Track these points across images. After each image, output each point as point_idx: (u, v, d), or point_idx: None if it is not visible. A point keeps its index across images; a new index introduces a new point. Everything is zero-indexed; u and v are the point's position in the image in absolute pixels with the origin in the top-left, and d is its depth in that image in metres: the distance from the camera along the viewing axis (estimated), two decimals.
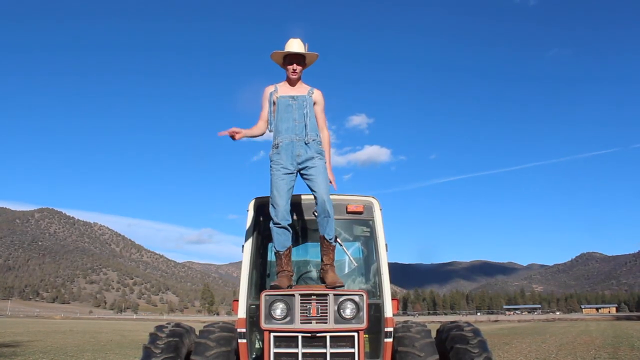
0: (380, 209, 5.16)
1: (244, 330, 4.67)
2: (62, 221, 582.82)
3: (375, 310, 4.71)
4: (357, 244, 5.57)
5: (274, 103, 4.60)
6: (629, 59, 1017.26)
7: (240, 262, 5.04)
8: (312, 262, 5.35)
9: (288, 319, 3.94)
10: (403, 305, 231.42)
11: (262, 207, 5.14)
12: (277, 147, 4.51)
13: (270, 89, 4.67)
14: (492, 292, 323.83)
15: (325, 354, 3.90)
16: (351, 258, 5.24)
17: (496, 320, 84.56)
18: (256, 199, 5.19)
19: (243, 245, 5.06)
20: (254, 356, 4.73)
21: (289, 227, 4.40)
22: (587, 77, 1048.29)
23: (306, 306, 3.95)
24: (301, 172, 4.48)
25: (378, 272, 4.93)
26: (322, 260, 4.51)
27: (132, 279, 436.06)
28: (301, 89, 4.65)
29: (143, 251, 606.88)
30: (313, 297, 3.98)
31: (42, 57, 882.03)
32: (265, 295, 4.01)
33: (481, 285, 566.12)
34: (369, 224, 5.18)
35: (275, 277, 4.44)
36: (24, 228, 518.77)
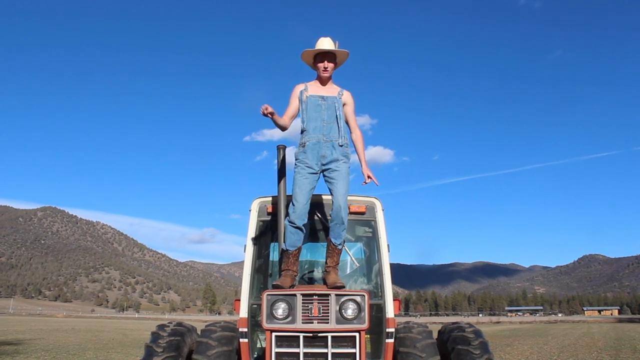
0: (383, 210, 5.16)
1: (245, 329, 4.67)
2: (65, 220, 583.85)
3: (377, 311, 4.71)
4: (359, 245, 5.56)
5: (304, 101, 4.55)
6: (631, 61, 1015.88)
7: (242, 262, 5.04)
8: (315, 263, 5.35)
9: (290, 318, 3.94)
10: (405, 306, 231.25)
11: (265, 207, 5.15)
12: (303, 146, 4.48)
13: (300, 87, 4.62)
14: (494, 294, 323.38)
15: (327, 354, 3.90)
16: (353, 258, 5.24)
17: (498, 322, 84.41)
18: (259, 198, 5.19)
19: (245, 245, 5.07)
20: (255, 356, 4.73)
21: (303, 228, 4.39)
22: (590, 80, 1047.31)
23: (308, 306, 3.95)
24: (324, 173, 4.46)
25: (380, 273, 4.93)
26: (325, 261, 4.52)
27: (134, 277, 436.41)
28: (331, 90, 4.61)
29: (145, 250, 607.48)
30: (315, 297, 3.98)
31: (43, 56, 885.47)
32: (267, 294, 4.01)
33: (483, 287, 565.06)
34: (371, 224, 5.18)
35: (278, 276, 4.45)
36: (26, 226, 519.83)
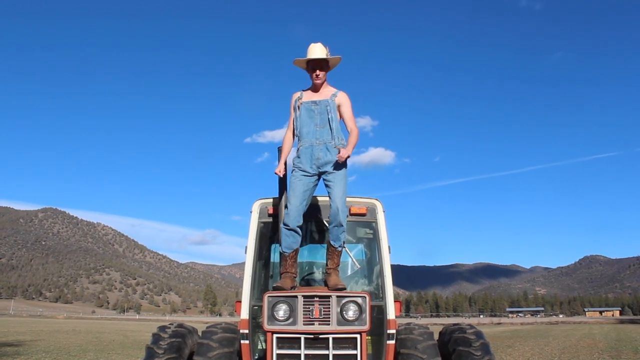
0: (384, 211, 5.16)
1: (246, 331, 4.68)
2: (66, 221, 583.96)
3: (378, 312, 4.72)
4: (360, 246, 5.58)
5: (298, 109, 4.62)
6: (631, 62, 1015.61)
7: (243, 263, 5.04)
8: (316, 264, 5.36)
9: (291, 320, 3.96)
10: (406, 307, 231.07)
11: (266, 209, 5.16)
12: (298, 151, 4.56)
13: (296, 95, 4.71)
14: (495, 295, 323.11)
15: (328, 355, 3.92)
16: (354, 260, 5.24)
17: (499, 323, 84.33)
18: (259, 200, 5.19)
19: (246, 247, 5.07)
20: (256, 357, 4.73)
21: (298, 230, 4.41)
22: (591, 80, 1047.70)
23: (309, 308, 3.97)
24: (323, 177, 4.50)
25: (381, 274, 4.93)
26: (326, 264, 4.53)
27: (135, 279, 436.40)
28: (324, 93, 4.64)
29: (146, 251, 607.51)
30: (316, 298, 4.00)
31: (44, 56, 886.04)
32: (268, 296, 4.02)
33: (484, 288, 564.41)
34: (372, 226, 5.18)
35: (279, 278, 4.46)
36: (27, 228, 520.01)
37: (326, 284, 4.44)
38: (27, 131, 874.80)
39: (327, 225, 4.60)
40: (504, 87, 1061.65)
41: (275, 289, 4.21)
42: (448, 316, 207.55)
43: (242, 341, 4.65)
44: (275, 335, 3.96)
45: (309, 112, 4.56)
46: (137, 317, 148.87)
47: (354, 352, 3.94)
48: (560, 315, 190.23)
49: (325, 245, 4.63)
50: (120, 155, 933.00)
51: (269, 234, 5.15)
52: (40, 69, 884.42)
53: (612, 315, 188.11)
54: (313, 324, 3.94)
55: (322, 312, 3.95)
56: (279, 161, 4.67)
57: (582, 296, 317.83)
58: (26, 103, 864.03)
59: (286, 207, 4.42)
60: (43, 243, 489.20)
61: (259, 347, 4.77)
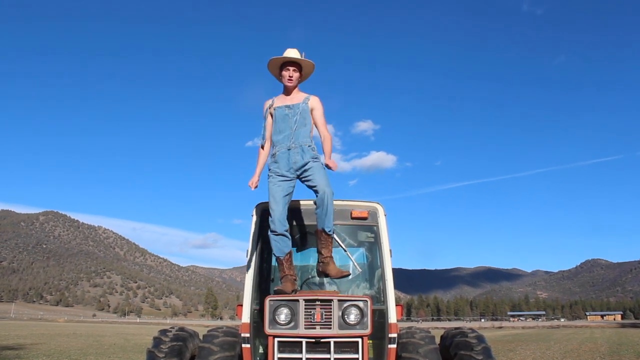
0: (385, 215, 5.15)
1: (247, 335, 4.66)
2: (67, 224, 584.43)
3: (379, 316, 4.70)
4: (362, 250, 5.57)
5: (271, 115, 4.66)
6: (633, 66, 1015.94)
7: (244, 267, 5.04)
8: (313, 268, 5.35)
9: (292, 324, 3.96)
10: (407, 311, 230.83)
11: (266, 212, 5.16)
12: (274, 156, 4.55)
13: (268, 102, 4.74)
14: (496, 299, 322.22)
15: (329, 359, 3.91)
16: (355, 264, 5.23)
17: (500, 327, 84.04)
18: (260, 204, 5.20)
19: (247, 250, 5.07)
20: None
21: (286, 233, 4.39)
22: (593, 85, 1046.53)
23: (310, 312, 3.97)
24: (300, 177, 4.49)
25: (382, 278, 4.92)
26: (320, 253, 4.47)
27: (136, 282, 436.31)
28: (297, 98, 4.67)
29: (147, 255, 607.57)
30: (317, 302, 3.99)
31: (45, 60, 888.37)
32: (270, 300, 4.02)
33: (485, 292, 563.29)
34: (373, 229, 5.17)
35: (280, 282, 4.45)
36: (28, 231, 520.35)
37: (326, 274, 4.41)
38: (28, 134, 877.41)
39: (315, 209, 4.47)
40: (505, 91, 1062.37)
41: (277, 292, 4.20)
42: (449, 320, 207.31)
43: (243, 345, 4.63)
44: (276, 339, 3.96)
45: (283, 116, 4.57)
46: (138, 321, 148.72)
47: (355, 356, 3.94)
48: (562, 319, 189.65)
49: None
50: (122, 158, 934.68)
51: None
52: (42, 71, 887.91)
53: (614, 319, 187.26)
54: (314, 328, 3.94)
55: (324, 316, 3.95)
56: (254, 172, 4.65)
57: (584, 300, 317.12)
58: (27, 106, 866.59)
59: (270, 213, 4.40)
60: (44, 246, 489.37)
61: (260, 350, 4.76)
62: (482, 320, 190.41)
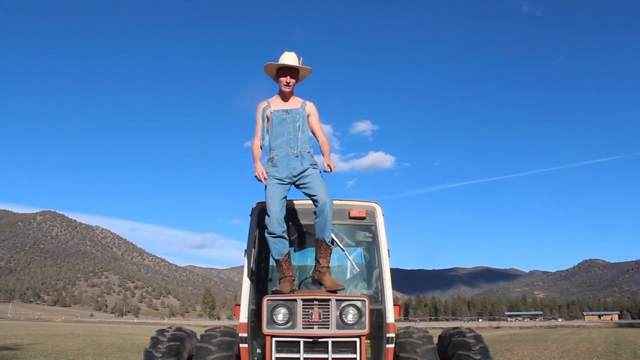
0: (383, 215, 5.15)
1: (245, 334, 4.66)
2: (64, 224, 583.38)
3: (377, 316, 4.69)
4: (360, 250, 5.57)
5: (268, 118, 4.62)
6: (632, 66, 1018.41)
7: (242, 267, 5.03)
8: (313, 267, 5.35)
9: (290, 324, 3.95)
10: (405, 311, 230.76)
11: (264, 212, 5.15)
12: (272, 160, 4.52)
13: (263, 104, 4.68)
14: (494, 299, 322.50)
15: (327, 359, 3.91)
16: (353, 263, 5.23)
17: (498, 327, 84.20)
18: (258, 203, 5.19)
19: (245, 250, 5.06)
20: None
21: (284, 235, 4.39)
22: (592, 85, 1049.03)
23: (308, 311, 3.97)
24: (297, 184, 4.48)
25: (380, 278, 4.91)
26: (318, 262, 4.48)
27: (134, 282, 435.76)
28: (294, 103, 4.66)
29: (144, 255, 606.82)
30: (315, 302, 3.99)
31: (43, 59, 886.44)
32: (267, 300, 4.02)
33: (483, 292, 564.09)
34: (371, 229, 5.17)
35: (278, 282, 4.45)
36: (26, 231, 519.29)
37: (320, 284, 4.41)
38: (25, 134, 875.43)
39: (314, 218, 4.52)
40: (504, 92, 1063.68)
41: (275, 292, 4.19)
42: (447, 320, 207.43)
43: (241, 345, 4.63)
44: (274, 339, 3.96)
45: (280, 120, 4.55)
46: (136, 321, 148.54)
47: (353, 355, 3.94)
48: (559, 319, 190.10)
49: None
50: (120, 158, 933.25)
51: None
52: (39, 71, 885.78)
53: (611, 319, 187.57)
54: (312, 328, 3.93)
55: (322, 316, 3.94)
56: (255, 164, 4.54)
57: (581, 300, 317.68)
58: (25, 106, 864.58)
59: (267, 215, 4.39)
60: (41, 246, 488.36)
61: (258, 350, 4.75)
62: (480, 320, 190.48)
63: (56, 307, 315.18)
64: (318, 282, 4.45)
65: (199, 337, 4.88)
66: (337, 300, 4.00)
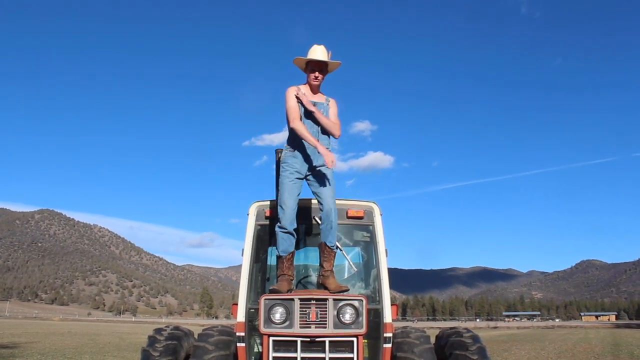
0: (381, 214, 5.15)
1: (242, 334, 4.65)
2: (62, 223, 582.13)
3: (375, 316, 4.69)
4: (357, 249, 5.56)
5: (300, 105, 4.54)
6: (630, 68, 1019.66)
7: (240, 266, 5.03)
8: (312, 267, 5.33)
9: (287, 323, 3.95)
10: (402, 311, 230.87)
11: (263, 211, 5.15)
12: (293, 150, 4.48)
13: (294, 89, 4.56)
14: (491, 299, 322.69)
15: (324, 358, 3.91)
16: (351, 263, 5.23)
17: (495, 327, 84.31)
18: (257, 202, 5.18)
19: (243, 249, 5.05)
20: None
21: (294, 232, 4.39)
22: (590, 86, 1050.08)
23: (305, 311, 3.96)
24: (308, 177, 4.48)
25: (378, 278, 4.91)
26: (322, 266, 4.49)
27: (132, 281, 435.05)
28: (320, 97, 4.65)
29: (142, 254, 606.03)
30: (312, 301, 3.99)
31: (43, 58, 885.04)
32: (265, 299, 4.01)
33: (481, 292, 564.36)
34: (369, 229, 5.17)
35: (276, 281, 4.45)
36: (23, 229, 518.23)
37: (324, 287, 4.40)
38: (23, 132, 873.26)
39: (319, 224, 4.56)
40: (502, 93, 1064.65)
41: (272, 291, 4.19)
42: (444, 320, 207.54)
43: (238, 344, 4.62)
44: (271, 338, 3.95)
45: (309, 111, 4.51)
46: (133, 320, 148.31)
47: (350, 355, 3.93)
48: (557, 320, 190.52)
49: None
50: (118, 157, 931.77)
51: (265, 236, 5.13)
52: (39, 70, 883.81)
53: (608, 319, 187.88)
54: (310, 327, 3.93)
55: (319, 315, 3.94)
56: (321, 150, 4.29)
57: (579, 300, 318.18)
58: (23, 104, 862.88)
59: (281, 208, 4.36)
60: (39, 245, 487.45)
61: (255, 350, 4.75)
62: (478, 320, 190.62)
63: (54, 306, 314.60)
64: (323, 286, 4.45)
65: (196, 336, 4.87)
66: (334, 299, 3.99)
